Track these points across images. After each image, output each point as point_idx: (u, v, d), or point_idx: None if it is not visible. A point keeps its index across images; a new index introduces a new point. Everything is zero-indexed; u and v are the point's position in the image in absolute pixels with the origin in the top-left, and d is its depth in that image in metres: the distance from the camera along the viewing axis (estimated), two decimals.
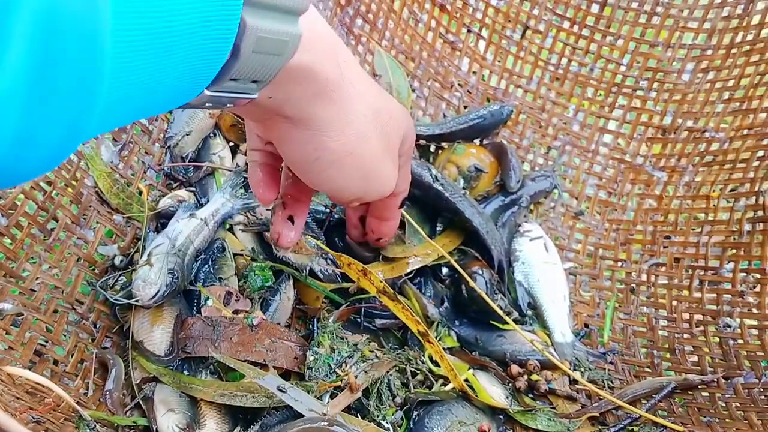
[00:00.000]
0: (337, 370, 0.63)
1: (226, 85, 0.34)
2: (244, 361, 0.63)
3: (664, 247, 0.78)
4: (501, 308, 0.75)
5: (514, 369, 0.71)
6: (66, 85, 0.25)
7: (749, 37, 0.76)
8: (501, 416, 0.67)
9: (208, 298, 0.68)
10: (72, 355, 0.60)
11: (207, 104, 0.36)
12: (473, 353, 0.73)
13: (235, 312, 0.67)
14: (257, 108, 0.42)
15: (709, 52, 0.79)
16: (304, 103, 0.42)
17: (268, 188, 0.55)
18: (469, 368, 0.71)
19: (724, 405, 0.63)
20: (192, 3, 0.28)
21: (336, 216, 0.75)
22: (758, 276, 0.69)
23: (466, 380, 0.68)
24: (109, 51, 0.26)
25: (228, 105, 0.37)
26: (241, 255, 0.73)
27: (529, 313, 0.78)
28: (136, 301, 0.63)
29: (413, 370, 0.68)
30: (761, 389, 0.62)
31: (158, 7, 0.27)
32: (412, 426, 0.63)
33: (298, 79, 0.40)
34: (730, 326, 0.69)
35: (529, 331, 0.76)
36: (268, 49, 0.34)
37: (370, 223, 0.68)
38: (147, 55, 0.28)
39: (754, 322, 0.67)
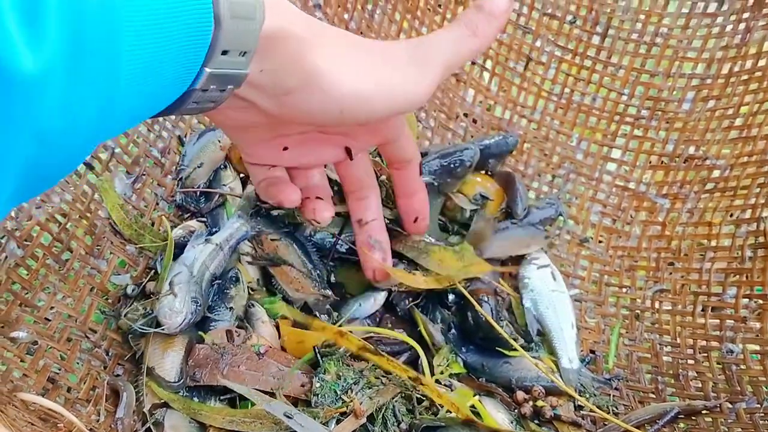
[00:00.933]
0: (342, 396, 0.64)
1: (219, 60, 0.38)
2: (252, 389, 0.64)
3: (669, 273, 0.79)
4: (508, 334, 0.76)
5: (520, 395, 0.72)
6: (95, 60, 0.29)
7: (747, 66, 0.77)
8: None
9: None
10: (84, 382, 0.62)
11: (212, 87, 0.39)
12: (480, 379, 0.74)
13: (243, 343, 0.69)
14: (259, 94, 0.45)
15: (709, 81, 0.80)
16: (296, 65, 0.44)
17: (289, 194, 0.59)
18: (475, 394, 0.72)
19: (726, 430, 0.63)
20: None
21: (344, 246, 0.76)
22: (760, 302, 0.70)
23: (472, 406, 0.69)
24: (125, 29, 0.30)
25: (229, 87, 0.40)
26: (255, 289, 0.76)
27: (537, 339, 0.78)
28: (164, 329, 0.65)
29: (419, 396, 0.69)
30: (762, 414, 0.62)
31: None
32: None
33: (277, 43, 0.42)
34: (732, 352, 0.69)
35: (535, 357, 0.76)
36: (241, 13, 0.37)
37: (401, 206, 0.71)
38: (152, 34, 0.32)
39: (757, 347, 0.68)
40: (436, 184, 0.80)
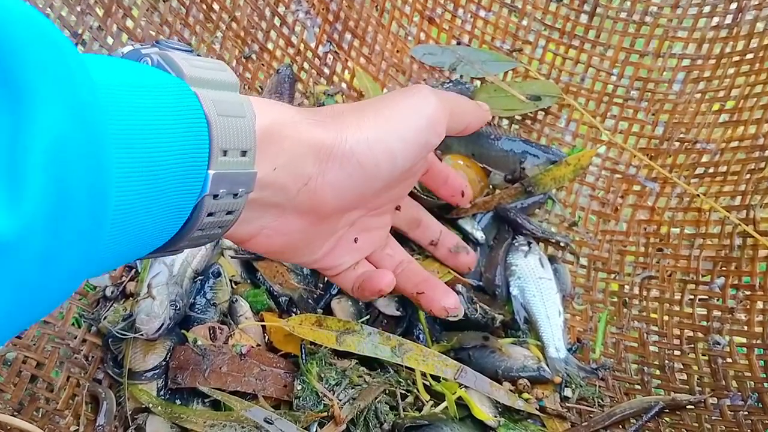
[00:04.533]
0: (323, 399, 0.64)
1: (221, 161, 0.36)
2: (234, 392, 0.64)
3: (657, 260, 0.78)
4: (479, 321, 0.75)
5: (506, 386, 0.72)
6: (80, 207, 0.27)
7: (739, 47, 0.75)
8: None
9: (195, 340, 0.68)
10: (64, 390, 0.62)
11: (221, 191, 0.37)
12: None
13: (225, 341, 0.68)
14: (284, 193, 0.44)
15: (699, 62, 0.78)
16: (306, 150, 0.44)
17: (382, 278, 0.59)
18: (461, 386, 0.71)
19: (710, 427, 0.63)
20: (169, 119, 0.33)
21: None
22: (748, 292, 0.69)
23: (459, 398, 0.69)
24: (114, 179, 0.29)
25: (241, 190, 0.38)
26: (239, 282, 0.75)
27: (524, 327, 0.78)
28: (142, 334, 0.65)
29: (403, 392, 0.68)
30: (746, 413, 0.61)
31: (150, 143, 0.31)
32: None
33: (279, 136, 0.42)
34: (719, 344, 0.68)
35: (522, 344, 0.76)
36: (229, 112, 0.37)
37: (443, 194, 0.74)
38: (145, 154, 0.31)
39: (743, 340, 0.67)
40: None
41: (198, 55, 0.38)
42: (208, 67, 0.37)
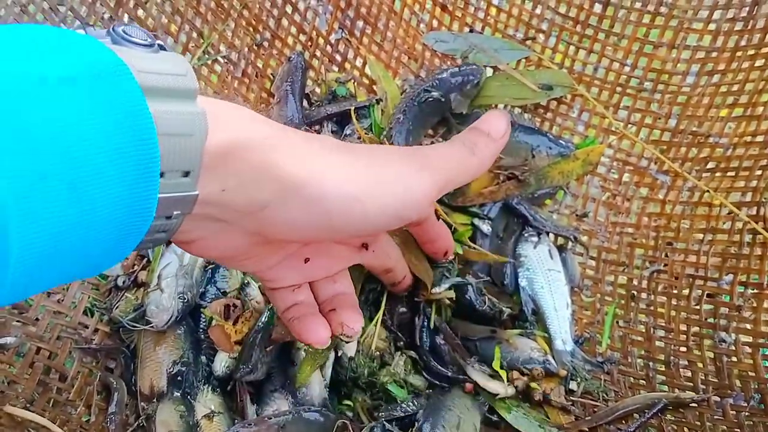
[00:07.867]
0: None
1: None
2: None
3: (666, 254, 0.77)
4: (487, 313, 0.76)
5: (515, 374, 0.72)
6: None
7: (754, 41, 0.74)
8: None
9: (212, 319, 0.70)
10: (76, 380, 0.63)
11: (158, 217, 0.34)
12: (473, 357, 0.74)
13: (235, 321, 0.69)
14: (231, 213, 0.39)
15: (714, 54, 0.77)
16: (265, 176, 0.38)
17: (318, 332, 0.51)
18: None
19: (711, 426, 0.63)
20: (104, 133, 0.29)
21: None
22: (756, 291, 0.68)
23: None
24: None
25: (176, 212, 0.35)
26: None
27: (531, 318, 0.78)
28: (152, 326, 0.66)
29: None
30: (748, 414, 0.62)
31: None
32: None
33: (235, 157, 0.36)
34: (725, 341, 0.68)
35: (529, 336, 0.77)
36: (175, 129, 0.32)
37: (428, 250, 0.66)
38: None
39: (749, 339, 0.67)
40: (443, 100, 0.80)
41: (161, 48, 0.34)
42: (164, 71, 0.32)
